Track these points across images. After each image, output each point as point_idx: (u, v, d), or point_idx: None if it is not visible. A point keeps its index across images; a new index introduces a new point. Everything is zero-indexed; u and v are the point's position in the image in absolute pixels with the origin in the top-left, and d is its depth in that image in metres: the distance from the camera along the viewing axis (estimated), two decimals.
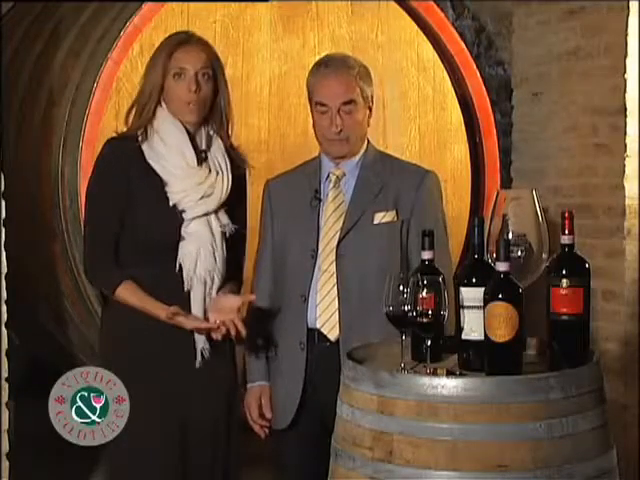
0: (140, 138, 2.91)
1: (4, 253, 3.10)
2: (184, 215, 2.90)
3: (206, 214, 2.91)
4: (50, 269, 3.99)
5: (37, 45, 4.22)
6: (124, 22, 3.70)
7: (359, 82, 3.01)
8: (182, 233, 2.89)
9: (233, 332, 2.88)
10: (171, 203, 2.89)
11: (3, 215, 3.11)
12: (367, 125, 3.08)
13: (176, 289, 2.88)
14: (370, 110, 3.07)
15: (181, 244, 2.89)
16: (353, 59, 3.09)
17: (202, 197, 2.90)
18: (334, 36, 4.02)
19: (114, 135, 3.00)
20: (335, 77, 2.99)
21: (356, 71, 3.01)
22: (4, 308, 3.10)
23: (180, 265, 2.88)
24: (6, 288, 3.10)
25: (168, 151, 2.91)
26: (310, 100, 3.07)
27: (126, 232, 2.90)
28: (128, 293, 2.87)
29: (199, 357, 2.90)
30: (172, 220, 2.89)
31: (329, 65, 3.04)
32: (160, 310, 2.85)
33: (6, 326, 3.11)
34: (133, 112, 2.96)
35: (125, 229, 2.90)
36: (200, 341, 2.89)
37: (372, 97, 3.07)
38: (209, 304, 2.91)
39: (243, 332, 2.89)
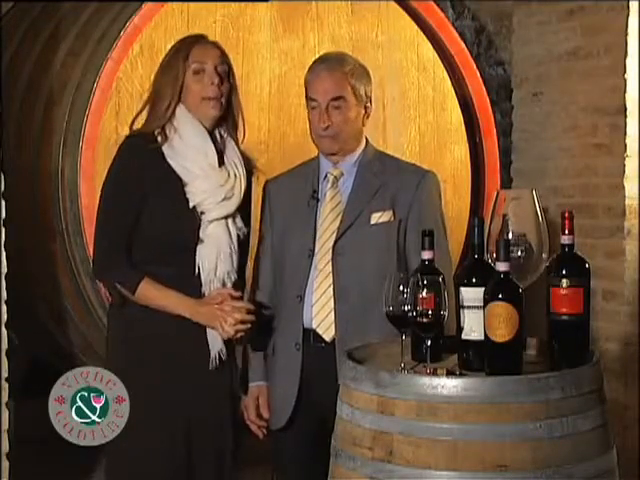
0: (159, 138, 2.89)
1: (4, 253, 3.10)
2: (203, 217, 2.88)
3: (226, 217, 2.91)
4: (50, 269, 3.99)
5: (37, 45, 4.22)
6: (124, 22, 3.70)
7: (351, 80, 3.01)
8: (201, 235, 2.87)
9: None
10: (191, 204, 2.87)
11: (3, 215, 3.11)
12: (362, 124, 3.08)
13: (192, 291, 2.86)
14: (366, 110, 3.07)
15: (200, 246, 2.87)
16: (350, 58, 3.10)
17: (223, 199, 2.89)
18: (334, 36, 4.02)
19: (130, 133, 2.97)
20: (326, 73, 3.00)
21: (349, 69, 3.02)
22: (4, 308, 3.10)
23: (198, 267, 2.87)
24: (6, 288, 3.10)
25: (189, 150, 2.89)
26: (306, 97, 3.08)
27: (142, 232, 2.86)
28: (151, 289, 2.83)
29: (216, 360, 2.87)
30: (190, 222, 2.87)
31: (323, 62, 3.05)
32: (185, 304, 2.84)
33: (6, 326, 3.11)
34: (144, 114, 2.93)
35: (141, 229, 2.86)
36: (216, 344, 2.87)
37: (369, 97, 3.07)
38: None
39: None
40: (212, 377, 2.90)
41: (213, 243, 2.88)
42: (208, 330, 2.87)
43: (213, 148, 2.92)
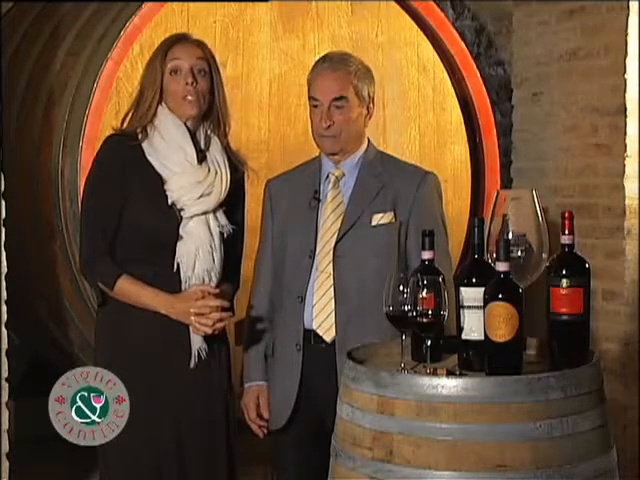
0: (140, 136, 2.91)
1: (4, 253, 3.10)
2: (182, 214, 2.89)
3: (205, 213, 2.91)
4: (50, 269, 3.99)
5: (37, 45, 4.22)
6: (124, 22, 3.70)
7: (354, 80, 3.01)
8: (180, 232, 2.88)
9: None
10: (169, 201, 2.89)
11: (3, 215, 3.11)
12: (364, 125, 3.08)
13: (173, 288, 2.87)
14: (369, 110, 3.07)
15: (179, 243, 2.88)
16: (353, 58, 3.09)
17: (201, 196, 2.89)
18: (334, 36, 4.02)
19: (113, 132, 2.99)
20: (330, 73, 3.01)
21: (353, 69, 3.02)
22: (4, 308, 3.10)
23: (178, 264, 2.88)
24: (6, 288, 3.10)
25: (168, 148, 2.90)
26: (308, 96, 3.08)
27: (123, 230, 2.89)
28: (128, 285, 2.85)
29: (195, 357, 2.89)
30: (170, 219, 2.89)
31: (326, 61, 3.05)
32: (160, 300, 2.85)
33: (6, 326, 3.11)
34: (131, 113, 2.96)
35: (122, 227, 2.88)
36: (197, 341, 2.89)
37: (372, 98, 3.07)
38: None
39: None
40: (200, 376, 2.91)
41: (192, 240, 2.88)
42: (191, 328, 2.88)
43: (192, 145, 2.92)
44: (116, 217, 2.88)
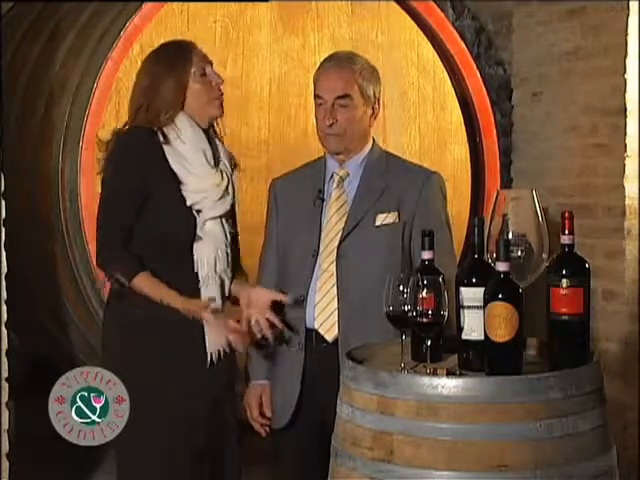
0: (161, 137, 2.90)
1: (4, 253, 3.11)
2: (199, 215, 2.91)
3: (221, 215, 2.93)
4: (50, 269, 3.99)
5: (37, 45, 4.23)
6: (124, 22, 3.70)
7: (359, 79, 3.01)
8: (198, 233, 2.90)
9: (267, 330, 2.91)
10: (188, 203, 2.90)
11: (3, 215, 3.11)
12: (369, 125, 3.08)
13: (189, 286, 2.87)
14: (374, 110, 3.07)
15: (197, 244, 2.90)
16: (360, 58, 3.10)
17: (220, 198, 2.92)
18: (334, 36, 4.02)
19: (134, 126, 2.94)
20: (334, 71, 3.01)
21: (358, 68, 3.02)
22: (4, 308, 3.10)
23: (196, 264, 2.89)
24: (6, 288, 3.10)
25: (190, 151, 2.91)
26: (314, 95, 3.08)
27: (140, 230, 2.88)
28: (147, 280, 2.84)
29: (214, 357, 2.90)
30: (188, 219, 2.90)
31: (332, 60, 3.06)
32: (179, 301, 2.84)
33: (6, 326, 3.11)
34: (141, 110, 2.93)
35: (139, 226, 2.88)
36: (213, 342, 2.89)
37: (377, 98, 3.07)
38: (244, 299, 2.95)
39: (279, 325, 2.93)
40: (210, 376, 2.91)
41: (211, 241, 2.90)
42: (206, 329, 2.88)
43: (210, 149, 2.95)
44: (134, 211, 2.87)
